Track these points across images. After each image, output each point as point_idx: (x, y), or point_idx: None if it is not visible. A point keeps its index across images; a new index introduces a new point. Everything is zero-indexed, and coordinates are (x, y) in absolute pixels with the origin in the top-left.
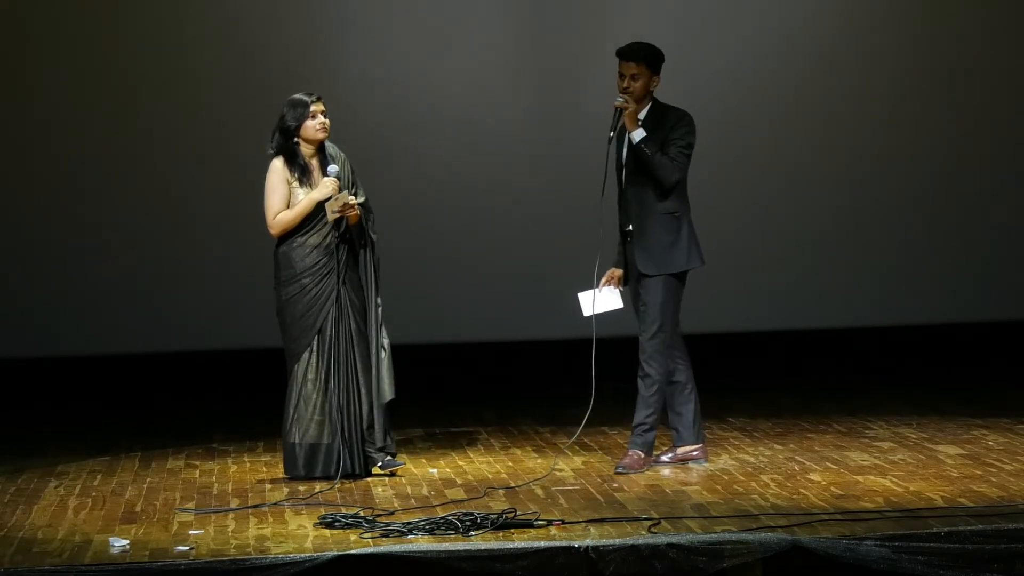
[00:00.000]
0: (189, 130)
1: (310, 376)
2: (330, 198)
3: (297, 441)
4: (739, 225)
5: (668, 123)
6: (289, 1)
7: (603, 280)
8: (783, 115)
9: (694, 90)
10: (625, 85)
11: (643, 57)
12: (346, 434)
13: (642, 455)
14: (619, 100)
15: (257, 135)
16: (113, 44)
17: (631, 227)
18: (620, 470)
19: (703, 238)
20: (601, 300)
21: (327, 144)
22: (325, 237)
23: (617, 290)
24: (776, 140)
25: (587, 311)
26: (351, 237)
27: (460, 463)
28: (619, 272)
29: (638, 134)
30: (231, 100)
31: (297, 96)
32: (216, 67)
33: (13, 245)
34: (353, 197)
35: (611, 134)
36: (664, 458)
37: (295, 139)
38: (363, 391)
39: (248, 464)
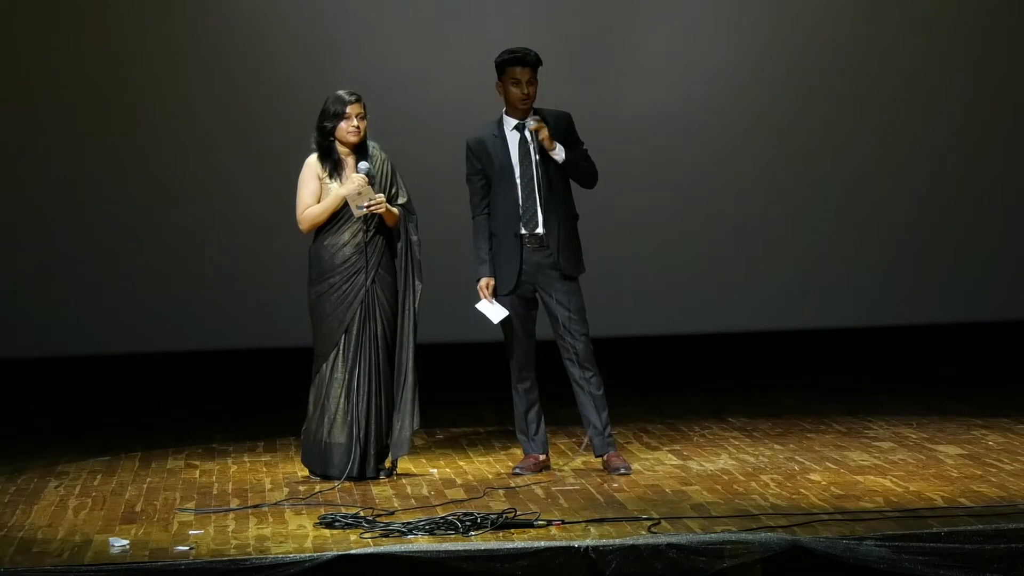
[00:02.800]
0: (190, 130)
1: (336, 376)
2: (356, 194)
3: (324, 439)
4: (739, 225)
5: (560, 126)
6: (290, 3)
7: (485, 291)
8: (782, 115)
9: (693, 90)
10: (527, 92)
11: (538, 61)
12: (370, 435)
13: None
14: (532, 123)
15: (257, 136)
16: (113, 44)
17: (541, 232)
18: (624, 471)
19: (704, 238)
20: (497, 308)
21: (369, 144)
22: (355, 235)
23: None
24: (776, 140)
25: (495, 318)
26: (387, 237)
27: (460, 463)
28: (492, 280)
29: (560, 152)
30: (232, 100)
31: (339, 93)
32: (216, 68)
33: (13, 245)
34: (382, 195)
35: (536, 157)
36: (517, 469)
37: (331, 138)
38: (384, 394)
39: (248, 464)
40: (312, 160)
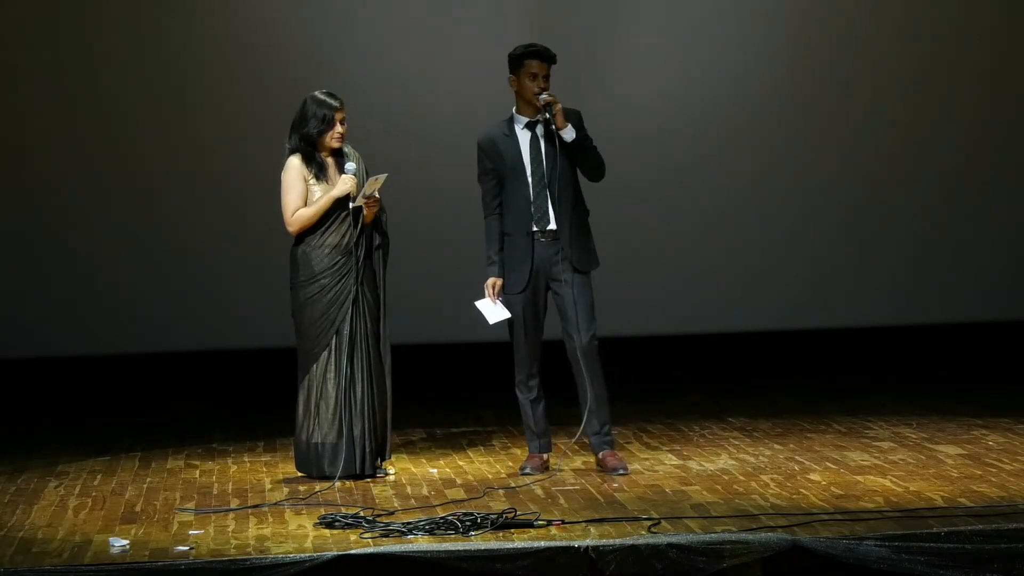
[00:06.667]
0: (190, 130)
1: (329, 376)
2: (348, 195)
3: (319, 441)
4: (739, 225)
5: (571, 119)
6: (291, 4)
7: (491, 290)
8: (783, 115)
9: (692, 89)
10: (544, 86)
11: (555, 58)
12: (366, 433)
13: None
14: (547, 96)
15: (258, 136)
16: (114, 44)
17: (553, 228)
18: (622, 471)
19: (704, 237)
20: (498, 309)
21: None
22: (344, 236)
23: (499, 300)
24: (776, 141)
25: (492, 319)
26: (367, 236)
27: (460, 463)
28: (500, 281)
29: (570, 132)
30: (234, 101)
31: (322, 97)
32: (218, 69)
33: (13, 245)
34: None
35: (554, 127)
36: (527, 469)
37: (315, 142)
38: (376, 392)
39: (248, 464)
40: (296, 163)
